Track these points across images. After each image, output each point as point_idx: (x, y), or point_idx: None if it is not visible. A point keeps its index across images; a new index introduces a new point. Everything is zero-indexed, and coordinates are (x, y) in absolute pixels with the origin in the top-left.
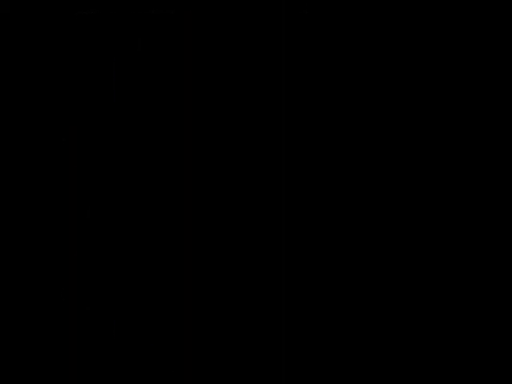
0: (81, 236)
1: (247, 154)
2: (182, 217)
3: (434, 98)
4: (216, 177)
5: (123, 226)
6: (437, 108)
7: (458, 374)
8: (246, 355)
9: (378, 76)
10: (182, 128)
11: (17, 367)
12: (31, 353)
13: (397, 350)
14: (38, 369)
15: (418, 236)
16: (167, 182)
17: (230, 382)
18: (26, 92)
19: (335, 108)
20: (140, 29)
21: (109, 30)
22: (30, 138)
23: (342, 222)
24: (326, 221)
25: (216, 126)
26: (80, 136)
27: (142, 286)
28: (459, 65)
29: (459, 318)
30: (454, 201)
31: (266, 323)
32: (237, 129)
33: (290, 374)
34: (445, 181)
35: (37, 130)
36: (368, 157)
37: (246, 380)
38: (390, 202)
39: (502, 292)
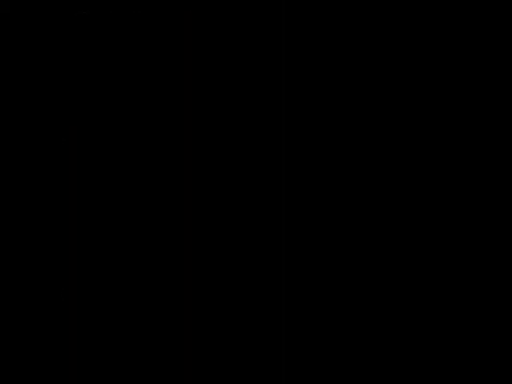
0: (81, 236)
1: (247, 153)
2: (182, 217)
3: (433, 97)
4: (216, 177)
5: (123, 226)
6: (437, 108)
7: (458, 374)
8: (246, 355)
9: (377, 76)
10: (182, 128)
11: (17, 367)
12: (31, 353)
13: (397, 350)
14: (38, 369)
15: (418, 236)
16: (167, 181)
17: (229, 382)
18: (26, 92)
19: (335, 108)
20: (140, 29)
21: (109, 29)
22: (30, 138)
23: (342, 222)
24: (326, 221)
25: (216, 126)
26: (80, 136)
27: (142, 285)
28: (459, 65)
29: (459, 317)
30: (454, 201)
31: (266, 323)
32: (237, 129)
33: (290, 374)
34: (445, 181)
35: (37, 129)
36: (368, 157)
37: (246, 380)
38: (390, 202)
39: (502, 292)
